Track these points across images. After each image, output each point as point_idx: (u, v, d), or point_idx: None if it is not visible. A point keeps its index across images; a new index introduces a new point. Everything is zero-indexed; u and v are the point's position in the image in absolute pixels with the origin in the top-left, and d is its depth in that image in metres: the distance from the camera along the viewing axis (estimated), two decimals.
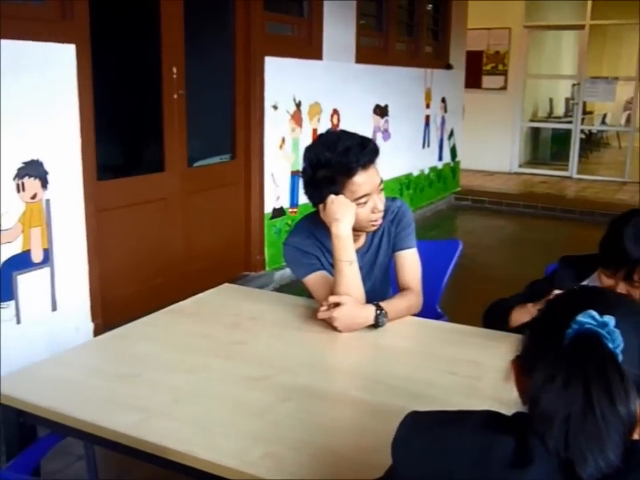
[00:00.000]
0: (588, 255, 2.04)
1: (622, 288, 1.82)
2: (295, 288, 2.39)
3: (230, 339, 1.95)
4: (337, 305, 2.00)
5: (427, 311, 2.58)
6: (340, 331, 2.00)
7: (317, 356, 1.91)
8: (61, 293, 3.43)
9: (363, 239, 2.25)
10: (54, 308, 3.40)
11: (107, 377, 1.74)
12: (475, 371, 1.78)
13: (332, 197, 2.05)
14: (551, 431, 0.87)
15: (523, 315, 1.91)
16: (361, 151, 2.03)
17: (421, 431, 1.00)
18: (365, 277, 2.17)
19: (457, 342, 2.01)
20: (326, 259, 2.20)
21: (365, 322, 2.03)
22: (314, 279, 2.18)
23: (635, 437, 0.90)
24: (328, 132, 2.23)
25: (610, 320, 0.90)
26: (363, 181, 2.05)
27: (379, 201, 2.11)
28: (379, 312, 2.03)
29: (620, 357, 0.89)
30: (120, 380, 1.71)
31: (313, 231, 2.22)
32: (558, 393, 0.88)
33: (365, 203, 2.08)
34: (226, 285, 2.48)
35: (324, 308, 2.02)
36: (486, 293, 4.11)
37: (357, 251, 2.16)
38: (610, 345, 0.89)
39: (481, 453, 0.91)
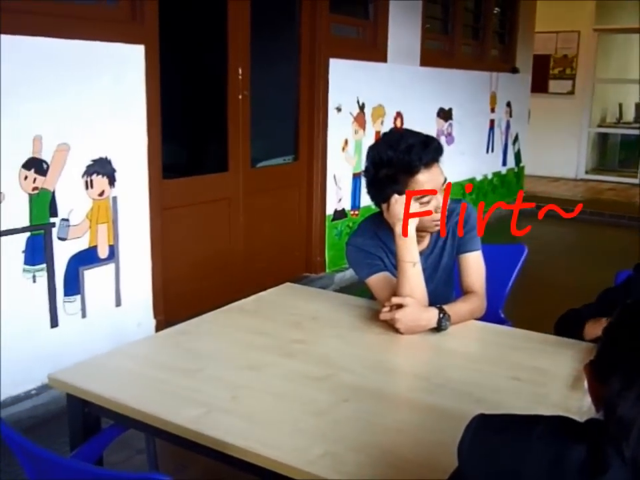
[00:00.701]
0: None
1: None
2: (355, 290, 2.37)
3: (291, 338, 1.95)
4: (399, 306, 1.98)
5: (490, 316, 2.53)
6: (402, 333, 1.98)
7: (379, 357, 1.89)
8: (125, 289, 3.49)
9: (427, 241, 2.22)
10: (118, 303, 3.47)
11: (169, 370, 1.76)
12: (540, 378, 1.73)
13: (396, 196, 2.02)
14: (628, 439, 0.84)
15: (597, 329, 1.85)
16: (423, 149, 2.00)
17: (489, 434, 0.97)
18: (428, 279, 2.13)
19: (521, 347, 1.96)
20: (389, 259, 2.18)
21: (428, 325, 2.00)
22: (377, 280, 2.16)
23: None
24: (391, 131, 2.21)
25: None
26: (425, 179, 2.02)
27: (440, 201, 2.07)
28: (441, 315, 2.00)
29: None
30: (181, 374, 1.72)
31: (377, 232, 2.20)
32: (636, 400, 0.85)
33: (428, 202, 2.05)
34: (287, 284, 2.48)
35: (386, 309, 2.00)
36: (550, 300, 4.04)
37: (421, 252, 2.14)
38: None
39: (553, 459, 0.88)
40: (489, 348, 2.01)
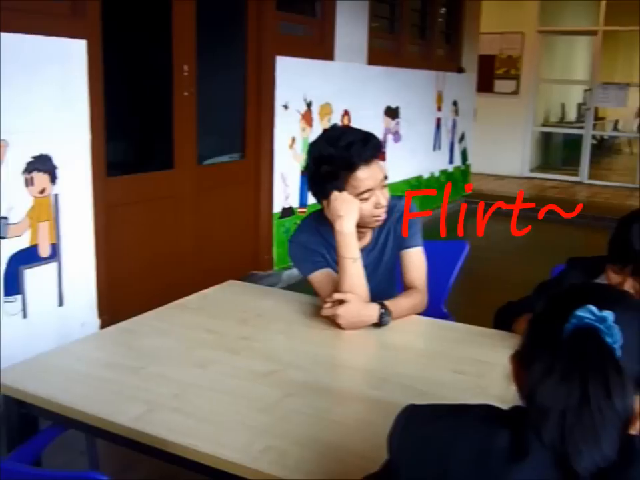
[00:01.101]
0: (596, 257, 2.02)
1: (629, 284, 1.82)
2: (302, 287, 2.37)
3: (236, 335, 1.94)
4: (341, 302, 1.99)
5: (433, 311, 2.56)
6: (343, 329, 1.99)
7: (324, 353, 1.89)
8: (68, 288, 3.43)
9: (368, 237, 2.24)
10: (60, 303, 3.40)
11: (110, 369, 1.73)
12: (481, 370, 1.76)
13: (335, 193, 2.04)
14: (547, 424, 0.87)
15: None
16: (363, 146, 2.02)
17: (419, 424, 0.99)
18: (370, 276, 2.15)
19: (462, 341, 1.99)
20: (331, 256, 2.19)
21: (369, 320, 2.01)
22: (319, 277, 2.17)
23: (632, 431, 0.89)
24: (332, 127, 2.23)
25: (609, 315, 0.90)
26: (365, 176, 2.04)
27: (382, 197, 2.10)
28: (383, 310, 2.02)
29: (618, 352, 0.89)
30: (123, 372, 1.70)
31: (319, 228, 2.21)
32: (555, 386, 0.87)
33: (368, 198, 2.07)
34: (230, 281, 2.46)
35: (328, 305, 2.01)
36: (494, 296, 4.10)
37: (362, 249, 2.16)
38: (608, 340, 0.89)
39: (479, 445, 0.90)
40: (431, 342, 2.04)
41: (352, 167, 2.02)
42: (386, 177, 2.12)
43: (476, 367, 1.78)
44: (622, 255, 1.83)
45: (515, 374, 0.99)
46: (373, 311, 2.02)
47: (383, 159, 6.43)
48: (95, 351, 1.85)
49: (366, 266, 2.12)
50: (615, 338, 0.89)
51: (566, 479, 0.85)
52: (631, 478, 0.84)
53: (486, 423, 0.93)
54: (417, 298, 2.18)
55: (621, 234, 1.84)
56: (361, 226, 2.11)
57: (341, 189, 2.03)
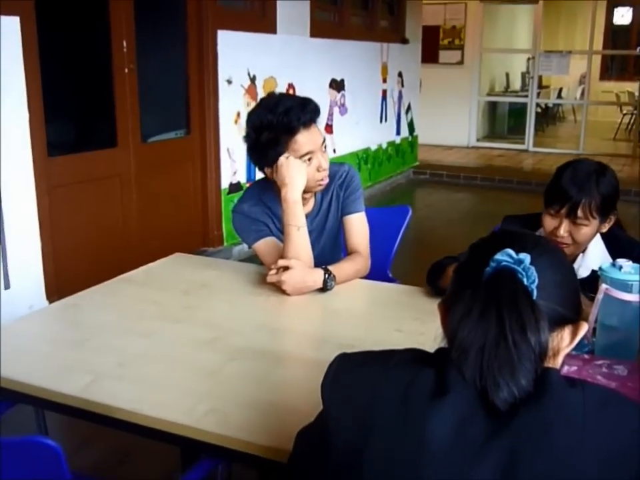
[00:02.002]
0: (531, 214, 2.10)
1: (565, 227, 1.92)
2: (254, 262, 2.40)
3: (180, 305, 1.96)
4: (285, 268, 2.02)
5: (379, 277, 2.61)
6: (289, 294, 2.03)
7: (266, 318, 1.93)
8: (14, 271, 3.40)
9: (311, 203, 2.27)
10: (7, 286, 3.38)
11: (55, 343, 1.74)
12: (420, 327, 1.81)
13: (282, 159, 2.06)
14: (467, 361, 0.92)
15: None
16: (301, 110, 2.06)
17: (348, 370, 1.03)
18: (315, 242, 2.19)
19: (403, 302, 2.05)
20: (275, 225, 2.22)
21: (314, 285, 2.05)
22: (263, 245, 2.20)
23: (549, 364, 0.95)
24: (268, 95, 2.25)
25: (525, 257, 0.95)
26: (305, 139, 2.08)
27: (323, 160, 2.13)
28: (327, 275, 2.06)
29: (535, 292, 0.94)
30: (69, 346, 1.71)
31: (262, 197, 2.24)
32: (474, 324, 0.93)
33: (310, 160, 2.11)
34: (177, 254, 2.48)
35: (273, 272, 2.04)
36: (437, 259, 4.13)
37: (307, 215, 2.19)
38: (525, 281, 0.94)
39: (404, 387, 0.94)
40: (373, 305, 2.09)
41: (292, 131, 2.05)
42: (324, 140, 2.16)
43: (415, 325, 1.84)
44: (556, 198, 1.93)
45: (442, 319, 1.04)
46: (318, 276, 2.06)
47: (330, 131, 6.45)
48: (40, 326, 1.85)
49: (310, 232, 2.16)
50: (531, 279, 0.94)
51: (486, 412, 0.90)
52: (545, 406, 0.89)
53: (411, 364, 0.98)
54: (359, 262, 2.23)
55: (555, 179, 1.95)
56: (304, 191, 2.14)
57: (281, 154, 2.06)
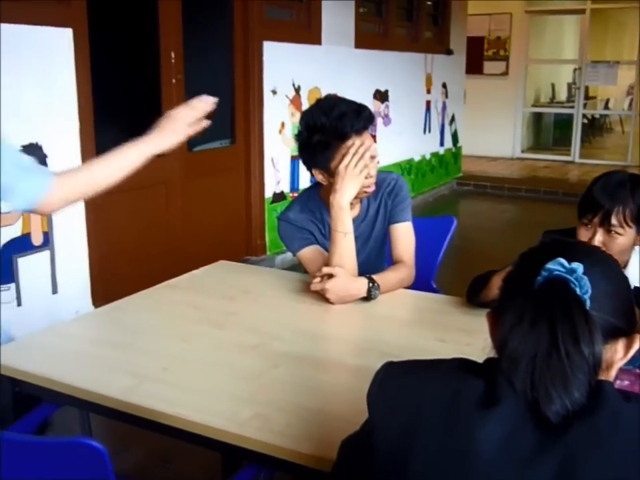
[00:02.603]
0: (570, 229, 2.06)
1: (599, 236, 1.89)
2: (295, 272, 2.41)
3: (223, 310, 1.97)
4: (330, 276, 2.02)
5: (423, 286, 2.59)
6: (332, 303, 2.02)
7: (310, 325, 1.93)
8: (62, 276, 3.46)
9: (357, 208, 2.26)
10: (54, 291, 3.44)
11: (100, 345, 1.77)
12: (465, 338, 1.79)
13: (341, 168, 2.04)
14: (518, 372, 0.90)
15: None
16: (356, 117, 2.04)
17: (394, 379, 1.02)
18: (360, 249, 2.19)
19: (448, 312, 2.03)
20: (320, 231, 2.23)
21: (358, 294, 2.04)
22: (307, 253, 2.20)
23: (601, 377, 0.92)
24: (325, 97, 2.25)
25: (578, 267, 0.93)
26: (358, 139, 2.06)
27: (372, 167, 2.12)
28: (371, 284, 2.05)
29: (588, 303, 0.92)
30: (113, 348, 1.73)
31: (307, 204, 2.25)
32: (524, 334, 0.91)
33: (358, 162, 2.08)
34: (221, 261, 2.50)
35: (317, 280, 2.04)
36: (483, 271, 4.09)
37: (353, 220, 2.16)
38: (578, 291, 0.92)
39: (451, 395, 0.93)
40: (416, 314, 2.07)
41: (343, 137, 2.05)
42: (375, 150, 2.14)
43: (460, 336, 1.82)
44: (588, 207, 1.91)
45: (491, 329, 1.03)
46: (362, 285, 2.05)
47: (374, 140, 6.44)
48: (86, 329, 1.88)
49: (356, 237, 2.14)
50: (584, 289, 0.92)
51: (536, 424, 0.88)
52: (600, 419, 0.87)
53: (459, 374, 0.96)
54: (404, 272, 2.21)
55: (587, 190, 1.95)
56: None
57: (330, 158, 2.06)
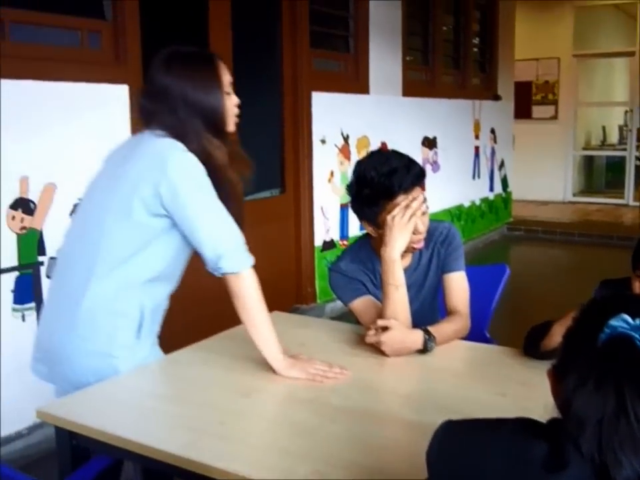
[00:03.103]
0: (627, 278, 2.01)
1: None
2: (346, 320, 2.40)
3: None
4: (384, 329, 2.00)
5: (476, 336, 2.55)
6: (388, 356, 2.00)
7: (365, 378, 1.90)
8: None
9: (409, 258, 2.24)
10: None
11: (157, 399, 1.77)
12: (525, 392, 1.75)
13: (389, 219, 2.03)
14: (584, 435, 0.86)
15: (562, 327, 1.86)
16: (405, 174, 2.04)
17: (455, 439, 1.00)
18: (413, 298, 2.17)
19: (505, 364, 1.98)
20: (372, 281, 2.22)
21: (413, 346, 2.02)
22: (360, 304, 2.20)
23: None
24: (379, 150, 2.26)
25: None
26: (409, 196, 2.06)
27: (421, 222, 2.10)
28: (427, 336, 2.02)
29: None
30: (170, 402, 1.74)
31: (358, 254, 2.25)
32: (590, 395, 0.87)
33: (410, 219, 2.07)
34: (275, 312, 2.50)
35: (372, 332, 2.02)
36: (537, 320, 4.02)
37: (405, 269, 2.15)
38: None
39: (515, 457, 0.90)
40: (474, 366, 2.03)
41: (391, 196, 2.04)
42: (426, 203, 2.12)
43: (520, 390, 1.78)
44: None
45: (553, 388, 0.99)
46: (418, 337, 2.02)
47: (423, 189, 6.43)
48: (142, 382, 1.88)
49: (409, 286, 2.12)
50: None
51: None
52: None
53: (522, 435, 0.94)
54: (459, 323, 2.18)
55: None
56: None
57: (378, 214, 2.06)
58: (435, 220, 2.29)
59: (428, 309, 2.28)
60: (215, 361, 2.02)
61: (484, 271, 2.93)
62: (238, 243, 1.94)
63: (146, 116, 1.94)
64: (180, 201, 1.80)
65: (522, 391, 1.77)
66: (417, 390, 1.87)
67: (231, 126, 2.03)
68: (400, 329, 2.00)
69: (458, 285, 2.25)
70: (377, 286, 2.20)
